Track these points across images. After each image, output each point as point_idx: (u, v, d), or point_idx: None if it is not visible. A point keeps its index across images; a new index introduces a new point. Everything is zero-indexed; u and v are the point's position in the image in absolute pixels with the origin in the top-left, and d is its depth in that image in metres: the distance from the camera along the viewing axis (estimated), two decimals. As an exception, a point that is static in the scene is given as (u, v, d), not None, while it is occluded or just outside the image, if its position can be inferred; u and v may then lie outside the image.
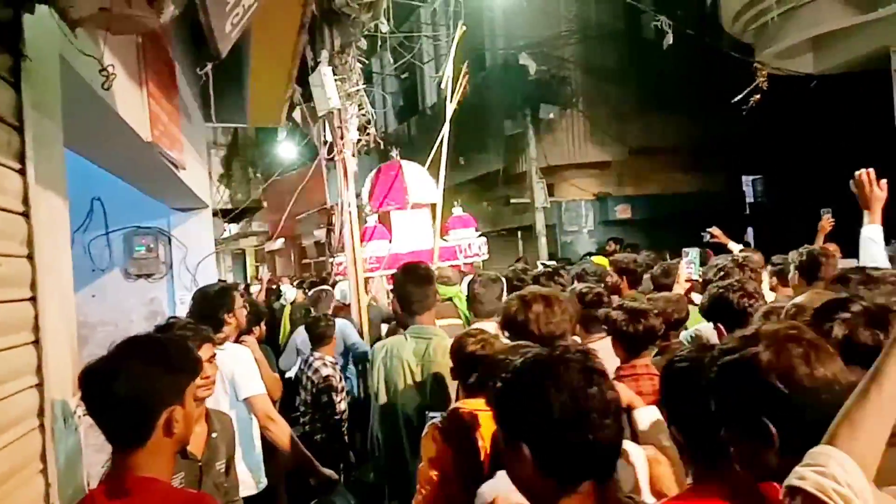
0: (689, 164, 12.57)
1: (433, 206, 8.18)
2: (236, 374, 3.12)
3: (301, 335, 7.20)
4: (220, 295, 3.24)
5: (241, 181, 10.85)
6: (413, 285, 3.24)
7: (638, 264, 4.85)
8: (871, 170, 2.59)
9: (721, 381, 1.27)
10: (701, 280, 4.21)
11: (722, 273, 3.86)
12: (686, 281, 4.37)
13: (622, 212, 12.68)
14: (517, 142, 12.47)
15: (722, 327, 2.71)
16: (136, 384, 1.57)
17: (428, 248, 7.42)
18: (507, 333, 2.46)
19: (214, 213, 7.14)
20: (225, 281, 8.29)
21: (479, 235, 8.09)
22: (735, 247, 5.61)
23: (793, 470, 1.04)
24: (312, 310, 7.33)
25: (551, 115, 11.65)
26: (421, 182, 7.85)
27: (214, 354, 2.59)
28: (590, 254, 10.05)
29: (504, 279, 3.89)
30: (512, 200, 13.36)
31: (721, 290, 2.79)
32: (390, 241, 7.67)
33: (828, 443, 1.04)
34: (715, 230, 6.23)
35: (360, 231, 6.74)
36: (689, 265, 4.47)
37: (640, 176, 12.72)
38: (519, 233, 14.22)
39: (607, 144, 12.34)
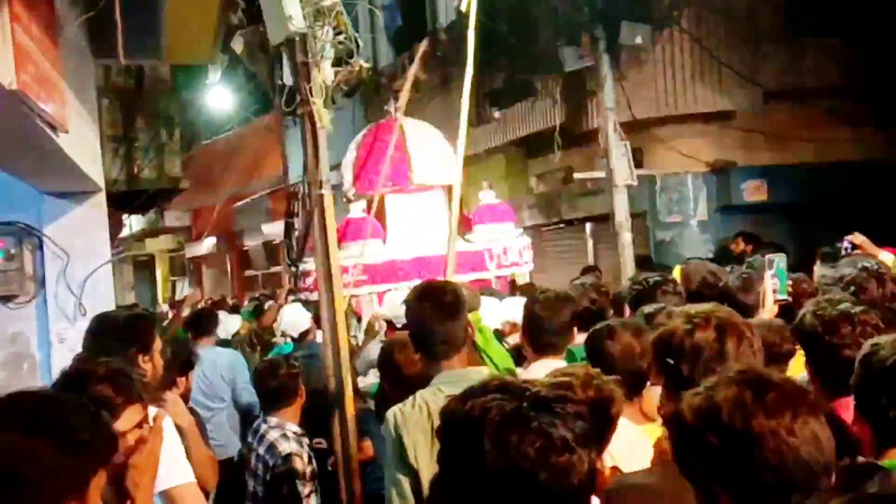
0: (863, 116, 12.49)
1: (450, 187, 8.23)
2: (150, 452, 3.19)
3: (219, 368, 7.37)
4: (132, 326, 3.32)
5: (147, 148, 10.94)
6: (434, 318, 3.42)
7: (703, 283, 5.03)
8: None
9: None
10: (790, 299, 4.63)
11: (853, 287, 4.21)
12: (774, 303, 4.69)
13: (754, 192, 12.65)
14: (584, 83, 12.47)
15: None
16: (11, 468, 1.62)
17: (444, 252, 7.40)
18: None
19: (109, 201, 7.24)
20: (137, 305, 8.34)
21: (523, 233, 8.13)
22: (889, 259, 5.77)
23: None
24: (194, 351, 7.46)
25: (639, 40, 11.65)
26: (433, 151, 7.93)
27: (145, 417, 2.68)
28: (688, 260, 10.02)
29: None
30: (576, 175, 13.36)
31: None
32: (384, 242, 7.69)
33: None
34: (857, 237, 6.43)
35: (340, 225, 6.79)
36: (774, 279, 4.73)
37: (782, 135, 12.65)
38: (588, 226, 14.24)
39: (730, 86, 12.30)
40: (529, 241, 8.22)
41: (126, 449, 2.52)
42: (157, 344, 3.53)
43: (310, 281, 7.43)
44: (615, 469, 2.69)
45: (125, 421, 2.56)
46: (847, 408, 2.67)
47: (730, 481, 1.66)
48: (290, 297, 9.61)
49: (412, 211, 7.81)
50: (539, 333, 3.87)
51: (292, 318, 8.05)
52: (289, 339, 7.90)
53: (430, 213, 7.85)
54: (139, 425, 2.63)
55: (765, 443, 1.64)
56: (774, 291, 4.68)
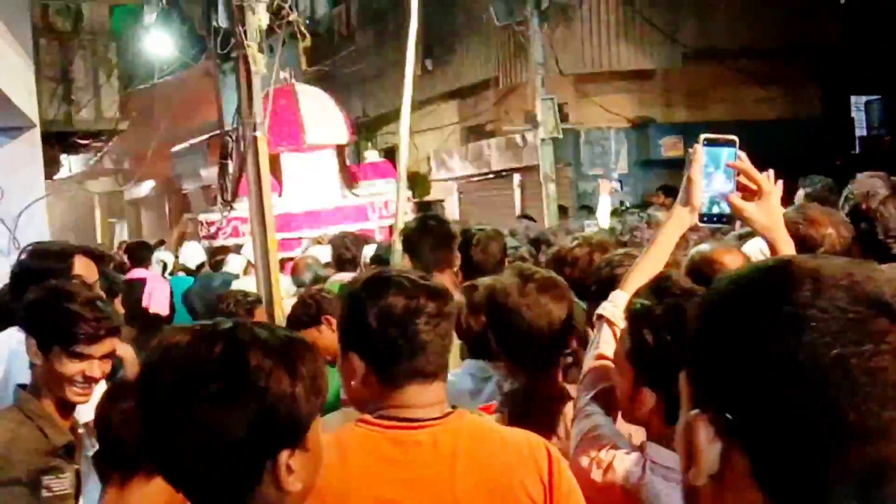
0: (773, 76, 12.69)
1: (340, 148, 8.93)
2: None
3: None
4: (59, 257, 3.26)
5: (86, 90, 10.67)
6: (432, 244, 3.87)
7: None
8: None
9: None
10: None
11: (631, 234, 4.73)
12: None
13: (671, 147, 12.78)
14: (514, 38, 12.44)
15: None
16: None
17: (331, 206, 8.23)
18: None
19: (45, 139, 7.07)
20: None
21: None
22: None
23: (602, 303, 2.24)
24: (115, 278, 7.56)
25: (567, -2, 11.66)
26: (323, 115, 8.55)
27: (114, 352, 2.64)
28: (625, 209, 10.16)
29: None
30: (505, 128, 13.36)
31: None
32: (280, 195, 8.13)
33: (623, 285, 2.21)
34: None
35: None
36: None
37: (698, 93, 12.80)
38: (515, 177, 14.27)
39: (651, 45, 12.38)
40: (410, 195, 8.96)
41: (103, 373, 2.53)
42: (79, 269, 3.43)
43: (213, 229, 8.23)
44: None
45: (103, 347, 2.54)
46: None
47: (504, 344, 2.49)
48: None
49: (304, 169, 8.34)
50: (473, 273, 3.92)
51: (190, 253, 8.71)
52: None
53: (321, 170, 8.46)
54: (110, 356, 2.60)
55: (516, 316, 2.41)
56: None
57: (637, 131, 12.87)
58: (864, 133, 14.85)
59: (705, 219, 2.16)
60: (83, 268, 3.40)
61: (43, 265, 3.26)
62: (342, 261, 6.42)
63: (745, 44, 12.31)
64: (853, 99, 14.52)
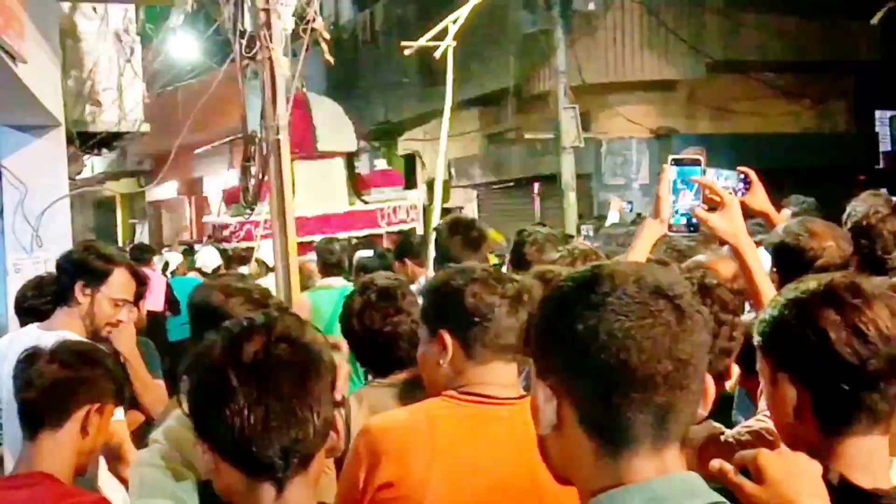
0: (797, 89, 12.63)
1: (349, 155, 9.14)
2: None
3: None
4: (84, 253, 3.28)
5: (110, 90, 10.71)
6: (461, 245, 3.78)
7: None
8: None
9: None
10: None
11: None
12: None
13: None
14: (537, 46, 12.42)
15: None
16: None
17: (342, 210, 8.45)
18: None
19: (68, 139, 7.08)
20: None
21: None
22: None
23: None
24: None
25: (591, 6, 11.63)
26: (333, 123, 8.75)
27: None
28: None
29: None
30: (526, 136, 13.35)
31: None
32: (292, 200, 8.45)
33: None
34: None
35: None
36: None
37: (722, 105, 12.75)
38: (535, 185, 14.24)
39: (675, 55, 12.34)
40: (418, 202, 9.25)
41: None
42: (116, 280, 3.40)
43: (227, 233, 8.43)
44: None
45: None
46: None
47: None
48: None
49: (315, 175, 8.54)
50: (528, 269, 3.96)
51: (206, 257, 8.95)
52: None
53: (331, 177, 8.72)
54: None
55: None
56: None
57: (659, 142, 12.83)
58: (889, 148, 14.76)
59: (674, 229, 2.38)
60: (124, 280, 3.39)
61: (92, 264, 3.29)
62: (326, 265, 6.52)
63: (773, 57, 12.27)
64: (878, 114, 14.43)
